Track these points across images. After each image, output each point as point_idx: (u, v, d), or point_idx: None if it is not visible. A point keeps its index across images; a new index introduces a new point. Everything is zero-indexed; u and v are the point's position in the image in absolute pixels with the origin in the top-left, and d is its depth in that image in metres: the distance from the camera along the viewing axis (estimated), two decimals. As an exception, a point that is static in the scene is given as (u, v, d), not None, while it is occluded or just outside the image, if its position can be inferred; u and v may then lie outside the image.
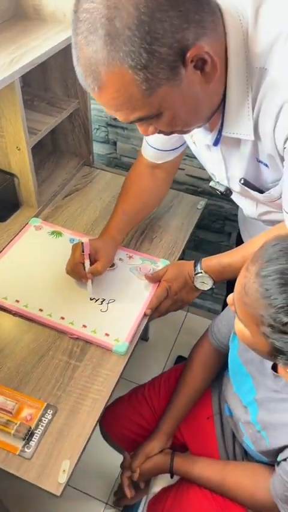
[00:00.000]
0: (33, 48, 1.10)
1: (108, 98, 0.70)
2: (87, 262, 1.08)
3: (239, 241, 1.32)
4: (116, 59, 0.64)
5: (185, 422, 1.14)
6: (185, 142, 1.08)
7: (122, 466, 1.18)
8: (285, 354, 0.67)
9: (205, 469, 1.01)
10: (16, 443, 0.88)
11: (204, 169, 1.06)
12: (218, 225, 1.69)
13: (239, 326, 0.75)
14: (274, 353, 0.69)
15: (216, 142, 0.88)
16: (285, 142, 0.76)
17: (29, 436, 0.89)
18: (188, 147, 1.08)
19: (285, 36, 0.71)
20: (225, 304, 1.45)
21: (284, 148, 0.77)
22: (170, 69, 0.66)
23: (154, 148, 1.12)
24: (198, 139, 0.96)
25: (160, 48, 0.63)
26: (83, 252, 1.08)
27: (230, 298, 0.76)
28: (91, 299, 1.12)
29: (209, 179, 1.05)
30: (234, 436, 1.08)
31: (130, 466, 1.12)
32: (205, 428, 1.12)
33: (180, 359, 1.85)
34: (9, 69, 1.01)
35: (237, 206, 1.10)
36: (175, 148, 1.12)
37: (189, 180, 1.59)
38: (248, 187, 0.93)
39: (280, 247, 0.66)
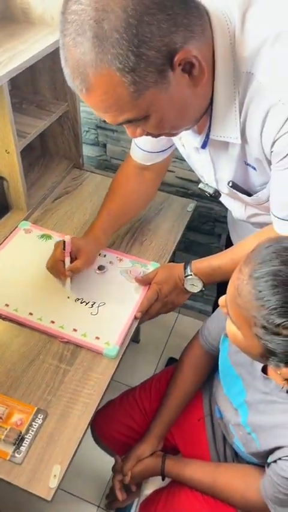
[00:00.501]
0: (22, 51, 1.10)
1: (96, 100, 0.70)
2: (67, 260, 1.08)
3: (229, 243, 1.32)
4: (104, 61, 0.64)
5: (176, 425, 1.14)
6: (174, 143, 1.08)
7: (114, 469, 1.17)
8: (277, 356, 0.67)
9: (196, 471, 1.01)
10: (6, 448, 0.88)
11: (194, 172, 1.07)
12: (208, 227, 1.69)
13: (231, 328, 0.75)
14: (266, 354, 0.69)
15: (204, 145, 0.88)
16: (272, 146, 0.76)
17: (19, 441, 0.88)
18: (177, 148, 1.08)
19: (271, 41, 0.71)
20: (215, 306, 1.46)
21: (271, 152, 0.77)
22: (158, 72, 0.66)
23: (143, 150, 1.12)
24: (187, 142, 0.96)
25: (148, 51, 0.64)
26: (64, 249, 1.08)
27: (222, 300, 0.76)
28: (68, 297, 1.11)
29: (199, 181, 1.06)
30: (225, 438, 1.08)
31: (121, 469, 1.12)
32: (196, 430, 1.12)
33: (171, 361, 1.85)
34: (-3, 73, 1.01)
35: (227, 208, 1.10)
36: (164, 150, 1.12)
37: (179, 183, 1.60)
38: (236, 189, 0.93)
39: (273, 249, 0.67)
